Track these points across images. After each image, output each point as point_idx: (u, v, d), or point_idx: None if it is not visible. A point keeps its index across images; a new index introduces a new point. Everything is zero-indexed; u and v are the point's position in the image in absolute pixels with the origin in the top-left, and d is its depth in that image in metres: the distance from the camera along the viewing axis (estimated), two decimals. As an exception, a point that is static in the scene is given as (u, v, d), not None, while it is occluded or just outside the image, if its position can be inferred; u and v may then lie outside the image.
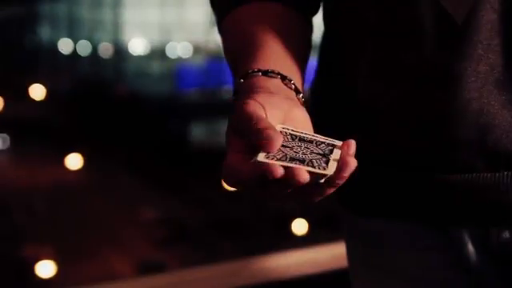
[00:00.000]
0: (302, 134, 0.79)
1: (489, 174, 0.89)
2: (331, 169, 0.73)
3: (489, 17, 0.86)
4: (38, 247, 10.59)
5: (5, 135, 15.72)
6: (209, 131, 17.25)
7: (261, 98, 0.79)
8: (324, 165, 0.74)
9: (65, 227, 11.40)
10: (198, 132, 17.30)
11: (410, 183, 0.94)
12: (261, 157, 0.73)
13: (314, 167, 0.73)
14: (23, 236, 11.13)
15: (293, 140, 0.78)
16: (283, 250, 2.33)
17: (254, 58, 0.88)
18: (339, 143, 0.77)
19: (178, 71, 21.57)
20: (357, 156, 0.84)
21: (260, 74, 0.84)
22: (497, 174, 0.89)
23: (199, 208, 12.45)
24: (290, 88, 0.85)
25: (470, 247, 0.94)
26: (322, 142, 0.78)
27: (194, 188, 13.33)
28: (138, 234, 11.77)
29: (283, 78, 0.85)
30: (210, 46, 20.71)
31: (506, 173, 0.88)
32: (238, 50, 0.93)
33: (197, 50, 21.68)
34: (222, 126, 17.48)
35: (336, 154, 0.75)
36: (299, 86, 0.87)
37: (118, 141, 15.77)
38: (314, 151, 0.76)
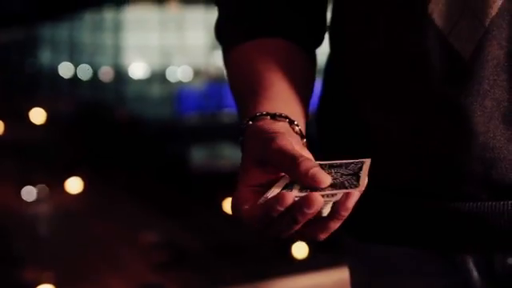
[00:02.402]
0: (329, 162, 0.81)
1: (493, 203, 0.90)
2: (337, 197, 0.75)
3: (495, 53, 0.87)
4: (39, 271, 10.55)
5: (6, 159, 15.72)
6: (209, 155, 17.25)
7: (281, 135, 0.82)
8: (355, 183, 0.76)
9: (65, 251, 11.37)
10: (198, 155, 17.31)
11: (415, 210, 0.94)
12: (272, 192, 0.76)
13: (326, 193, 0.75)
14: (23, 260, 11.10)
15: (323, 169, 0.80)
16: (283, 274, 2.33)
17: (262, 100, 0.90)
18: (368, 161, 0.80)
19: (178, 95, 21.60)
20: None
21: (268, 117, 0.87)
22: (501, 203, 0.90)
23: (199, 232, 12.43)
24: (296, 132, 0.87)
25: (475, 273, 0.94)
26: (351, 163, 0.80)
27: (194, 211, 13.32)
28: (137, 258, 11.73)
29: (290, 122, 0.88)
30: (210, 69, 20.77)
31: (510, 202, 0.89)
32: (245, 90, 0.96)
33: (197, 73, 21.74)
34: (223, 150, 17.51)
35: (364, 175, 0.78)
36: (303, 130, 0.90)
37: (118, 164, 15.77)
38: (345, 173, 0.78)
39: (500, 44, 0.85)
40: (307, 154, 0.82)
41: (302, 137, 0.89)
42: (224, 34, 1.07)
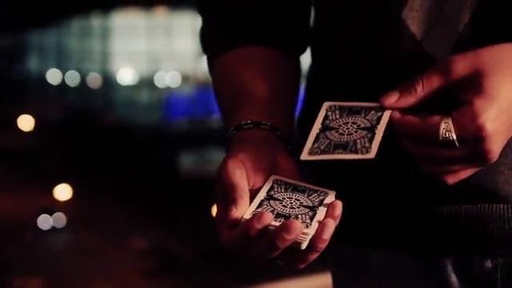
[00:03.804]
0: (295, 183, 0.81)
1: (470, 206, 0.91)
2: (313, 229, 0.76)
3: None
4: (26, 278, 10.53)
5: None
6: (198, 160, 17.26)
7: (247, 153, 0.83)
8: (308, 221, 0.76)
9: (53, 258, 11.35)
10: (187, 161, 17.32)
11: (393, 214, 0.95)
12: (247, 214, 0.77)
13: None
14: (10, 266, 11.07)
15: (285, 191, 0.80)
16: (273, 279, 2.34)
17: (247, 109, 0.91)
18: (332, 194, 0.80)
19: (166, 100, 21.62)
20: (341, 188, 0.86)
21: (252, 125, 0.88)
22: (477, 206, 0.91)
23: (189, 237, 12.43)
24: (280, 139, 0.88)
25: (453, 276, 0.95)
26: (315, 191, 0.80)
27: (184, 217, 13.32)
28: (127, 264, 11.72)
29: (274, 130, 0.88)
30: (198, 75, 20.80)
31: (485, 205, 0.90)
32: (230, 99, 0.97)
33: (185, 79, 21.77)
34: (211, 155, 17.52)
35: (321, 212, 0.78)
36: (288, 136, 0.90)
37: (106, 170, 15.76)
38: (304, 203, 0.79)
39: (473, 49, 0.87)
40: (244, 184, 0.82)
41: (287, 143, 0.90)
42: (208, 42, 1.08)
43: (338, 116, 0.79)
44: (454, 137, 0.77)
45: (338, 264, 1.08)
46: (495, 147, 0.78)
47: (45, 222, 12.53)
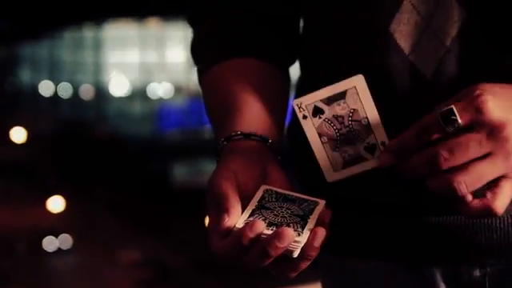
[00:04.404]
0: (285, 193, 0.83)
1: (458, 216, 0.92)
2: (304, 237, 0.77)
3: (456, 71, 0.90)
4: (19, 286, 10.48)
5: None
6: (190, 171, 17.24)
7: (237, 164, 0.85)
8: (300, 229, 0.78)
9: (47, 270, 11.31)
10: (180, 172, 17.29)
11: (382, 224, 0.96)
12: (240, 223, 0.78)
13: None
14: (4, 279, 11.03)
15: (276, 200, 0.81)
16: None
17: (236, 120, 0.92)
18: (322, 203, 0.81)
19: (159, 111, 21.61)
20: (331, 198, 0.87)
21: (242, 137, 0.89)
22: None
23: (182, 248, 12.41)
24: (270, 150, 0.89)
25: (443, 285, 0.96)
26: (305, 201, 0.82)
27: (177, 228, 13.29)
28: (121, 276, 11.70)
29: (264, 141, 0.89)
30: (191, 86, 20.79)
31: None
32: (220, 110, 0.98)
33: (178, 90, 21.76)
34: (205, 166, 17.49)
35: (312, 221, 0.79)
36: (278, 146, 0.91)
37: (99, 182, 15.73)
38: (295, 212, 0.80)
39: (460, 63, 0.88)
40: (235, 198, 0.83)
41: (277, 154, 0.91)
42: (198, 54, 1.09)
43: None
44: (452, 106, 0.77)
45: (328, 274, 1.08)
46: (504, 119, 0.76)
47: (50, 243, 12.39)
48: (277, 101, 1.01)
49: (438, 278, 0.96)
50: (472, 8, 0.90)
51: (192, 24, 1.11)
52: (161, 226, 13.48)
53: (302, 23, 1.08)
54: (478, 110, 0.77)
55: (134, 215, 14.13)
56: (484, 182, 0.77)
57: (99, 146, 18.34)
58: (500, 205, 0.77)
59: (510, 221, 0.91)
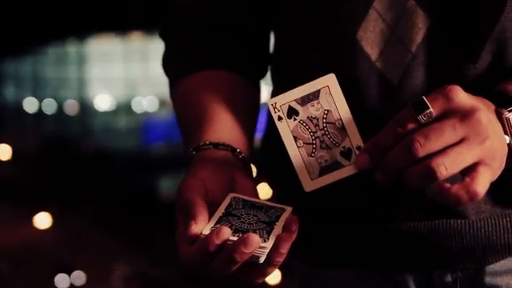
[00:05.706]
0: (253, 201, 0.83)
1: (428, 222, 0.93)
2: (270, 243, 0.78)
3: (422, 77, 0.91)
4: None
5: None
6: (177, 184, 17.19)
7: (206, 172, 0.87)
8: (266, 236, 0.79)
9: (35, 285, 11.25)
10: (166, 185, 17.25)
11: (354, 232, 0.98)
12: (206, 230, 0.79)
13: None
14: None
15: (243, 207, 0.83)
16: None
17: (206, 130, 0.94)
18: (289, 209, 0.82)
19: (144, 125, 21.58)
20: (301, 206, 0.88)
21: (211, 146, 0.90)
22: (436, 221, 0.93)
23: (170, 262, 12.37)
24: (239, 159, 0.90)
25: (416, 291, 0.98)
26: (272, 208, 0.82)
27: (165, 242, 13.25)
28: (109, 291, 11.63)
29: (233, 151, 0.91)
30: (175, 99, 20.76)
31: (443, 221, 0.93)
32: (190, 121, 0.99)
33: (163, 103, 21.73)
34: (191, 179, 17.44)
35: (278, 227, 0.80)
36: (247, 155, 0.93)
37: (86, 198, 15.67)
38: (261, 219, 0.81)
39: (426, 69, 0.90)
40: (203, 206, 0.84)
41: (246, 163, 0.92)
42: (170, 67, 1.10)
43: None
44: (423, 97, 0.78)
45: (304, 283, 1.09)
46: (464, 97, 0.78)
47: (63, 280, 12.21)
48: (246, 111, 1.02)
49: (411, 283, 0.97)
50: (436, 15, 0.92)
51: (163, 38, 1.13)
52: (148, 240, 13.43)
53: (272, 35, 1.09)
54: (449, 98, 0.78)
55: (121, 229, 14.07)
56: (462, 166, 0.77)
57: (85, 161, 18.29)
58: (480, 186, 0.77)
59: (479, 225, 0.93)
